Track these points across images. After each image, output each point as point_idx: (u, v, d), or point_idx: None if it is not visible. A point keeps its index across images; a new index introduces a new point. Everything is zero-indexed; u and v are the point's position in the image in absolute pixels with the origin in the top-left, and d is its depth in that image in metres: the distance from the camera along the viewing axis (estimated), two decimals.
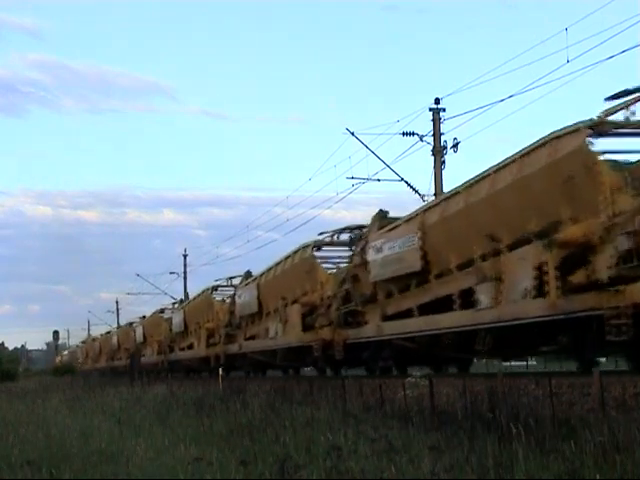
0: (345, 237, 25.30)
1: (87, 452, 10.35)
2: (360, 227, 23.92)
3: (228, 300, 36.38)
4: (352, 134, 29.05)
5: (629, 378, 12.62)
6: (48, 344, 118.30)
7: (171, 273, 63.64)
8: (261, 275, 31.24)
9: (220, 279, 38.78)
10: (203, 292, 40.52)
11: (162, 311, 52.22)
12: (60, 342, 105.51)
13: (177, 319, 44.06)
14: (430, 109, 28.33)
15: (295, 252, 27.33)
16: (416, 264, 18.36)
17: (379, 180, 29.62)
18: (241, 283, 34.85)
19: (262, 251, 47.32)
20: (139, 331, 54.21)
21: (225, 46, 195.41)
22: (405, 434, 9.72)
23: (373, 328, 21.23)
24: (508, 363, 28.62)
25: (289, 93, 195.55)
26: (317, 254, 25.94)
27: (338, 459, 7.94)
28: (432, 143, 28.36)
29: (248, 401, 16.44)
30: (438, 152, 28.17)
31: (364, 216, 23.93)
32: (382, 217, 21.67)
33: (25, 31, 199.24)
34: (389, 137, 28.87)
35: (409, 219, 19.46)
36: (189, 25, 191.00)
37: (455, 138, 28.02)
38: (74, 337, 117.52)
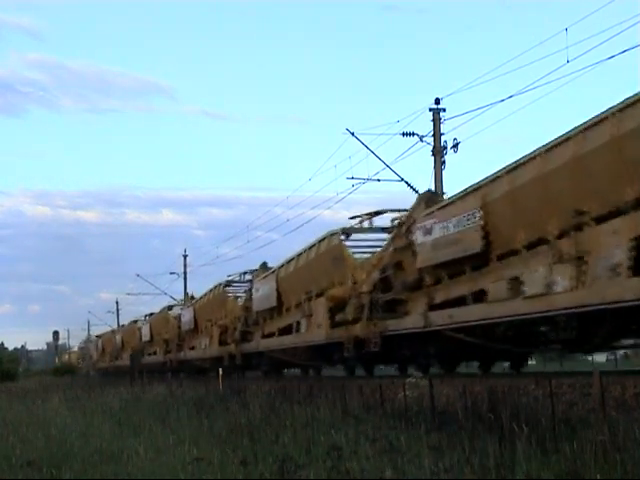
0: (377, 223, 23.86)
1: (87, 452, 10.36)
2: (395, 210, 22.76)
3: (243, 295, 34.88)
4: (352, 134, 29.03)
5: (629, 378, 12.63)
6: (48, 344, 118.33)
7: (171, 273, 63.66)
8: (281, 267, 29.35)
9: (232, 274, 37.45)
10: (215, 287, 38.49)
11: (170, 308, 50.51)
12: (60, 342, 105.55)
13: (187, 316, 42.39)
14: (430, 109, 28.31)
15: (321, 240, 25.39)
16: (476, 244, 16.54)
17: (379, 180, 29.58)
18: (257, 276, 32.85)
19: (262, 251, 47.34)
20: (145, 329, 52.43)
21: (225, 46, 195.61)
22: (405, 434, 9.71)
23: (418, 318, 19.20)
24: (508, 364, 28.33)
25: (289, 93, 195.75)
26: (346, 242, 24.27)
27: (338, 459, 7.93)
28: (432, 143, 28.34)
29: (248, 401, 16.43)
30: (438, 152, 28.15)
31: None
32: (429, 196, 20.65)
33: (24, 31, 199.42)
34: (389, 137, 28.85)
35: (466, 194, 17.51)
36: (188, 25, 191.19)
37: (455, 138, 28.01)
38: (74, 337, 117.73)
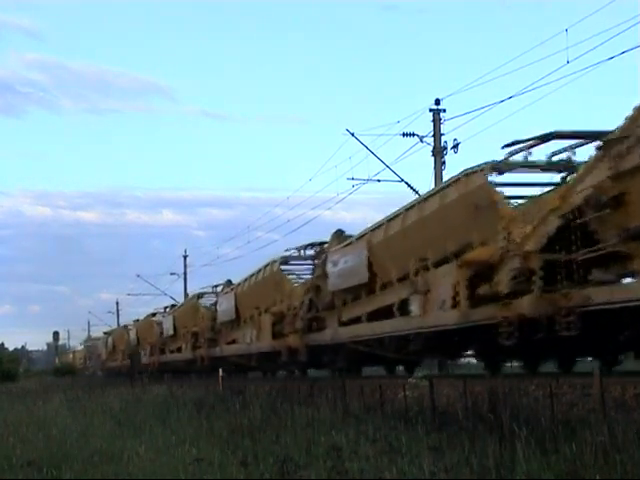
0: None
1: (88, 452, 10.36)
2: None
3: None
4: (352, 135, 29.12)
5: (629, 379, 12.65)
6: (48, 345, 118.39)
7: (171, 274, 63.78)
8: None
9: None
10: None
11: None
12: (60, 343, 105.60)
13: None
14: (430, 110, 28.37)
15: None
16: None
17: (379, 181, 29.68)
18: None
19: (263, 252, 47.34)
20: (167, 322, 49.26)
21: (224, 46, 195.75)
22: (405, 435, 9.72)
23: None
24: (509, 364, 28.28)
25: (289, 93, 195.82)
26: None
27: (338, 459, 7.95)
28: (432, 144, 28.39)
29: (248, 402, 16.45)
30: (438, 153, 28.20)
31: (364, 217, 24.32)
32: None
33: (23, 31, 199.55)
34: (389, 138, 28.92)
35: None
36: (188, 25, 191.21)
37: (455, 139, 28.07)
38: (74, 338, 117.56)
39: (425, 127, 28.64)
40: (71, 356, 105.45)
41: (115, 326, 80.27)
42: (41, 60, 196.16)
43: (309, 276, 27.09)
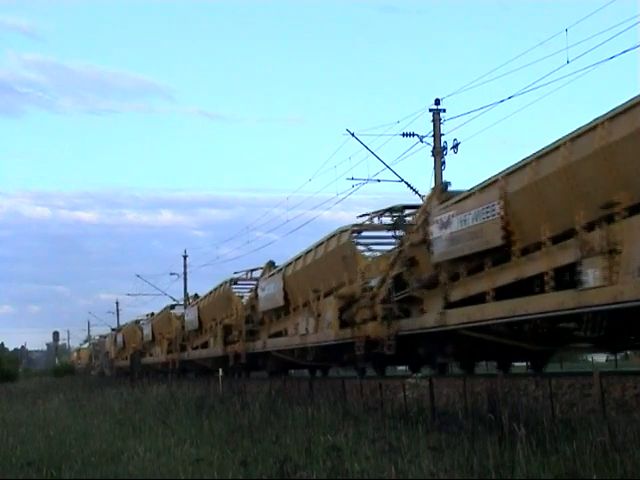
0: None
1: (87, 453, 10.36)
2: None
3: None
4: (352, 135, 29.00)
5: (629, 379, 12.63)
6: (48, 345, 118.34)
7: (171, 274, 63.68)
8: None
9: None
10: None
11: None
12: (60, 343, 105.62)
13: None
14: (430, 110, 28.29)
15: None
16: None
17: (379, 181, 29.52)
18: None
19: (262, 252, 47.37)
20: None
21: (223, 46, 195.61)
22: (406, 435, 9.71)
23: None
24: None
25: (289, 93, 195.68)
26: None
27: (338, 460, 7.94)
28: (432, 144, 28.33)
29: (248, 402, 16.44)
30: (438, 153, 28.12)
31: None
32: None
33: (22, 31, 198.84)
34: (389, 138, 28.81)
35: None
36: (187, 25, 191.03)
37: (455, 139, 27.93)
38: (74, 338, 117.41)
39: (425, 127, 28.55)
40: (75, 355, 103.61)
41: (115, 326, 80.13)
42: (40, 60, 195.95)
43: (389, 248, 22.38)
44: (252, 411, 14.34)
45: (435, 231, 18.02)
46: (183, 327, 42.76)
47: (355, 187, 30.15)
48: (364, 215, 23.12)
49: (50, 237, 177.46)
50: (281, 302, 28.57)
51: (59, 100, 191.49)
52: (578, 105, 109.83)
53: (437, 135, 28.20)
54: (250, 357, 32.64)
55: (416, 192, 28.28)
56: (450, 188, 19.93)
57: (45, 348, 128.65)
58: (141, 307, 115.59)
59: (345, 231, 23.67)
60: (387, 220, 22.30)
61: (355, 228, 23.48)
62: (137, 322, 59.61)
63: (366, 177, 29.60)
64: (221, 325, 35.23)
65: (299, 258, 27.54)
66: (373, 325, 21.02)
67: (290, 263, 28.58)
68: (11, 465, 9.68)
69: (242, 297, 35.38)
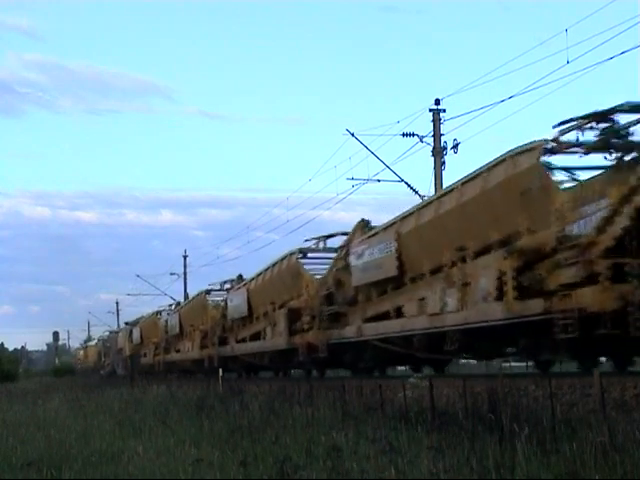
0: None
1: (88, 453, 10.37)
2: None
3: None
4: (352, 135, 29.11)
5: (629, 379, 12.63)
6: (48, 345, 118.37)
7: (171, 274, 63.77)
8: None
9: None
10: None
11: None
12: (60, 343, 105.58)
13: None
14: (430, 110, 28.37)
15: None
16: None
17: (379, 181, 29.68)
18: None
19: (262, 252, 47.38)
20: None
21: (223, 46, 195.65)
22: (405, 435, 9.71)
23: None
24: (508, 364, 28.57)
25: (289, 93, 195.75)
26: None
27: (338, 460, 7.94)
28: (432, 144, 28.40)
29: (248, 402, 16.44)
30: (438, 153, 28.20)
31: (363, 217, 24.04)
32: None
33: (22, 31, 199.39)
34: (389, 138, 28.92)
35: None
36: (187, 25, 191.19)
37: (455, 139, 28.08)
38: (74, 338, 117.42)
39: (425, 127, 28.66)
40: (82, 353, 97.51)
41: (115, 326, 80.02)
42: (40, 60, 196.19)
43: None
44: (252, 411, 14.34)
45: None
46: (224, 315, 35.24)
47: (355, 187, 30.39)
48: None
49: (50, 237, 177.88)
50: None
51: (59, 100, 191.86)
52: (578, 105, 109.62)
53: (437, 135, 28.27)
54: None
55: (416, 192, 28.38)
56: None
57: (45, 348, 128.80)
58: (141, 307, 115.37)
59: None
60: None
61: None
62: (158, 313, 52.57)
63: (366, 177, 29.76)
64: (285, 309, 27.38)
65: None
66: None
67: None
68: (11, 465, 9.68)
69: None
